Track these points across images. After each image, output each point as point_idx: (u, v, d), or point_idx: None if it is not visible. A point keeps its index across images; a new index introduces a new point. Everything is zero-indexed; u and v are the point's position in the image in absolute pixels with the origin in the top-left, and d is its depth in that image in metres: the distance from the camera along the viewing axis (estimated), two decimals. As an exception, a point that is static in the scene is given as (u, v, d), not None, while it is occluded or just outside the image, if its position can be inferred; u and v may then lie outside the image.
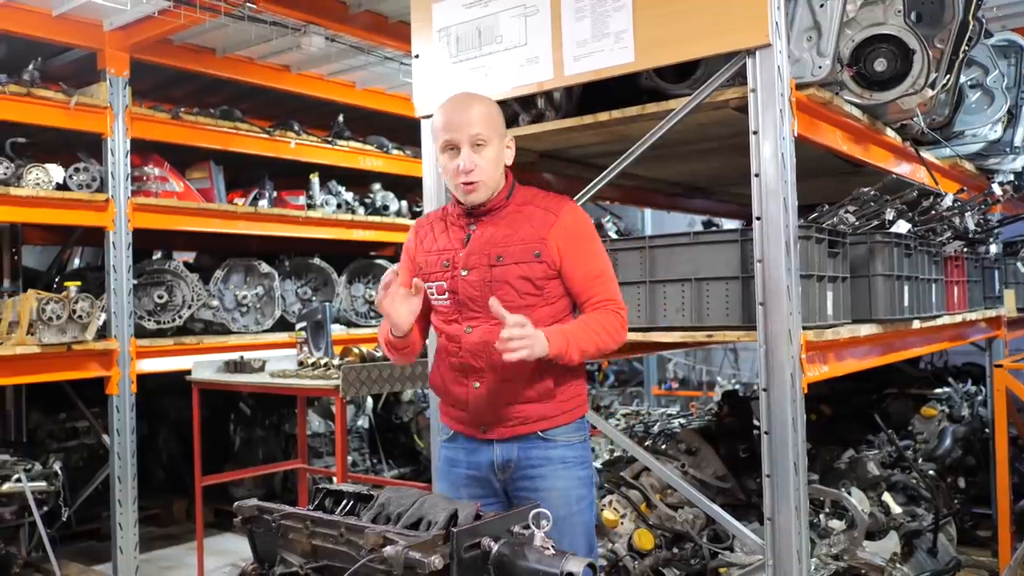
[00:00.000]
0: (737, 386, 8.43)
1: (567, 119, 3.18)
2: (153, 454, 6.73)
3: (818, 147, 3.06)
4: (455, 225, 2.46)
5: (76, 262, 7.19)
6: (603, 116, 3.09)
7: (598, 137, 3.38)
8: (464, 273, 2.37)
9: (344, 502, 2.41)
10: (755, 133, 2.67)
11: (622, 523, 3.32)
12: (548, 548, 1.95)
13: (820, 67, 2.76)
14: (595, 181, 3.07)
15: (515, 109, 3.38)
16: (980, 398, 5.28)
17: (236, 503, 2.33)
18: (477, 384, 2.39)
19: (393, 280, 2.37)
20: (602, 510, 3.36)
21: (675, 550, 3.30)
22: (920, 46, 2.87)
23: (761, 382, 2.66)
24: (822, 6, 2.73)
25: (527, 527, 2.06)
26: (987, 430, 5.17)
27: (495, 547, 1.97)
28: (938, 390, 5.02)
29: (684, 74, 3.02)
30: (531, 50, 3.06)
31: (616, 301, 2.43)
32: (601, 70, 2.90)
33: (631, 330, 3.02)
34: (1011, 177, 4.53)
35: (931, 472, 4.39)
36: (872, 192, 3.07)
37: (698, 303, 2.94)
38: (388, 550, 1.91)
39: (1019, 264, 5.38)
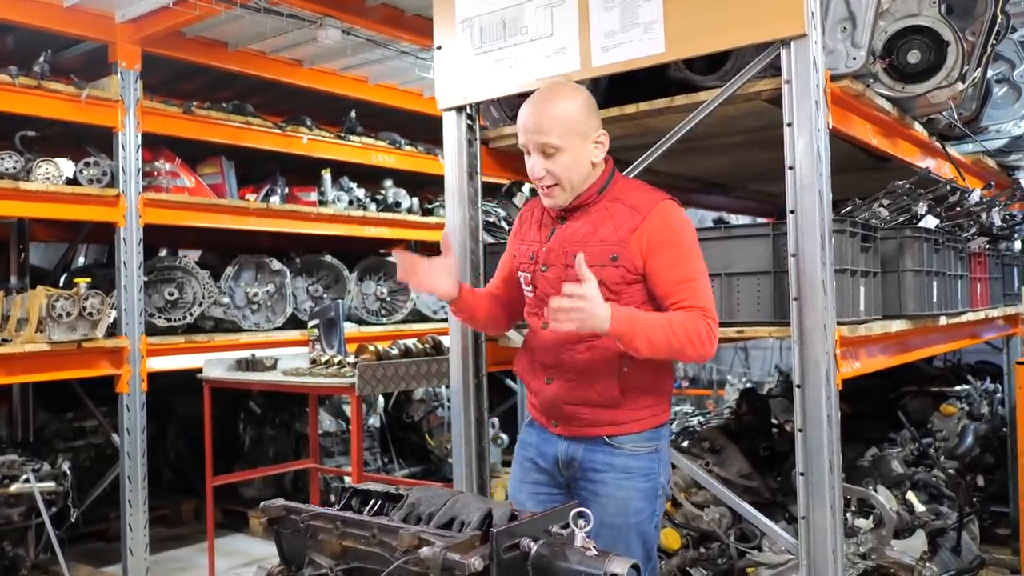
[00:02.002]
0: (748, 384, 8.37)
1: (594, 111, 3.12)
2: (160, 454, 6.68)
3: (847, 140, 3.01)
4: (548, 216, 2.43)
5: (80, 260, 7.13)
6: (630, 108, 3.04)
7: (623, 130, 3.32)
8: (543, 269, 2.36)
9: (372, 502, 2.37)
10: (789, 125, 2.61)
11: (647, 523, 3.26)
12: (590, 548, 1.90)
13: (855, 58, 2.71)
14: (623, 174, 3.01)
15: (539, 102, 3.33)
16: (999, 396, 5.23)
17: (263, 503, 2.28)
18: (548, 380, 2.38)
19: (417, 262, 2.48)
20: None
21: (702, 549, 3.25)
22: (955, 38, 2.82)
23: (795, 379, 2.60)
24: (857, -4, 2.68)
25: (566, 526, 2.01)
26: (1004, 428, 5.13)
27: (534, 548, 1.92)
28: (957, 387, 4.97)
29: (713, 66, 2.97)
30: (557, 41, 3.00)
31: (706, 309, 2.23)
32: (631, 61, 2.84)
33: None
34: (1032, 173, 4.48)
35: (951, 470, 4.34)
36: (907, 185, 3.01)
37: (728, 298, 2.89)
38: (425, 551, 1.86)
39: (1037, 261, 5.33)
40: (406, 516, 2.20)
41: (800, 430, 2.58)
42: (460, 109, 3.34)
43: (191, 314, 5.25)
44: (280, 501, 2.25)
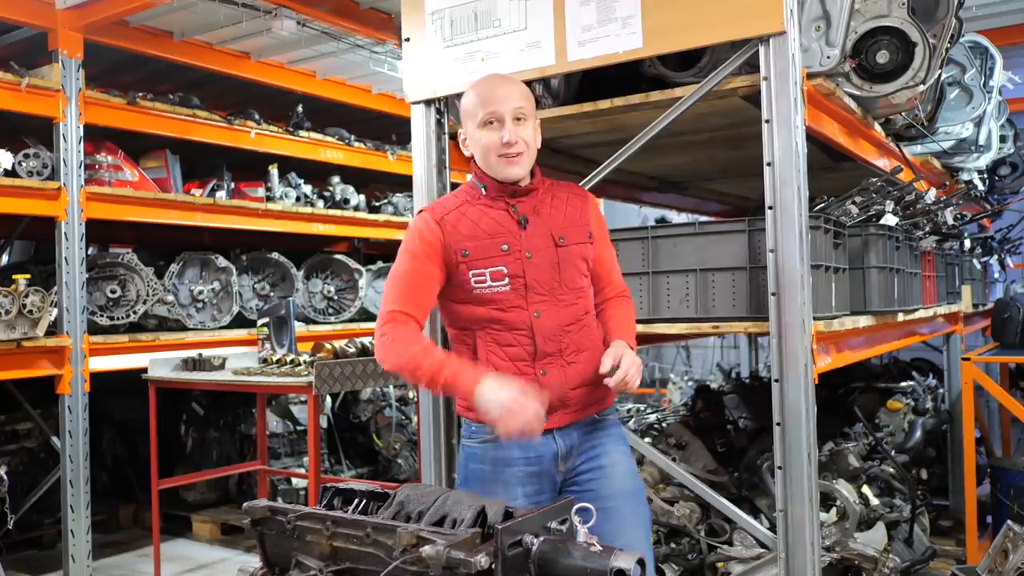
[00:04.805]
0: (690, 383, 8.48)
1: (567, 107, 3.11)
2: (96, 457, 6.42)
3: (815, 138, 3.06)
4: (494, 208, 2.34)
5: (4, 259, 6.80)
6: (604, 104, 3.03)
7: (593, 127, 3.32)
8: (529, 256, 2.30)
9: (356, 501, 2.30)
10: (767, 122, 2.63)
11: (618, 519, 3.26)
12: (593, 544, 1.88)
13: (829, 57, 2.76)
14: (597, 170, 3.01)
15: (510, 96, 3.30)
16: (941, 392, 5.40)
17: (246, 504, 2.19)
18: (544, 371, 2.30)
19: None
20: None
21: (672, 545, 3.26)
22: (922, 39, 2.89)
23: (774, 373, 2.63)
24: (832, -5, 2.72)
25: (563, 522, 1.99)
26: (946, 424, 5.30)
27: (536, 544, 1.89)
28: (903, 384, 5.10)
29: (686, 62, 2.99)
30: (532, 35, 2.98)
31: (629, 291, 2.56)
32: (608, 56, 2.83)
33: (642, 322, 2.97)
34: (976, 175, 4.63)
35: (902, 464, 4.46)
36: (879, 183, 3.08)
37: (704, 294, 2.91)
38: (427, 550, 1.81)
39: (975, 261, 5.53)
40: (395, 515, 2.14)
41: (778, 424, 2.60)
42: (429, 102, 3.28)
43: (135, 312, 5.06)
44: (264, 501, 2.17)
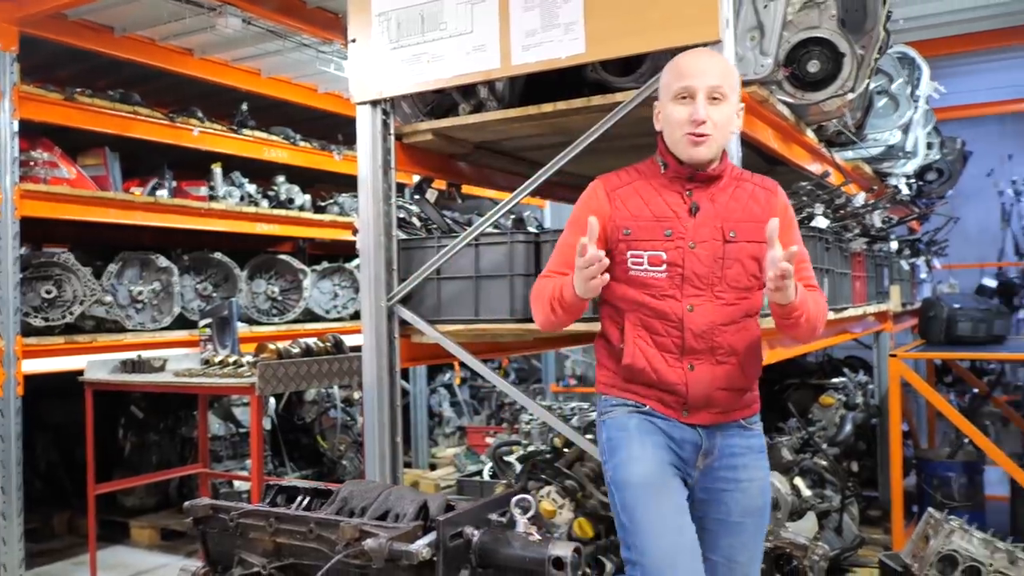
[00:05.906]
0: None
1: (512, 110, 3.17)
2: (28, 464, 6.26)
3: (750, 144, 3.16)
4: (669, 189, 2.24)
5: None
6: (547, 107, 3.09)
7: (537, 129, 3.38)
8: (692, 246, 2.19)
9: (300, 498, 2.33)
10: (703, 126, 2.71)
11: (560, 513, 3.33)
12: (532, 534, 1.93)
13: (763, 66, 2.85)
14: (540, 172, 3.07)
15: (455, 98, 3.35)
16: (871, 387, 5.59)
17: (187, 503, 2.21)
18: (692, 366, 2.20)
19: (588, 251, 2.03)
20: (540, 501, 3.36)
21: (612, 538, 3.33)
22: (851, 50, 3.01)
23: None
24: (766, 7, 2.82)
25: (503, 514, 2.04)
26: (875, 418, 5.49)
27: (477, 535, 1.94)
28: (835, 380, 5.27)
29: (628, 68, 3.07)
30: (477, 38, 3.03)
31: (821, 291, 2.34)
32: (551, 60, 2.90)
33: (585, 320, 2.99)
34: (904, 180, 4.81)
35: (832, 457, 4.61)
36: (809, 187, 3.19)
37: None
38: (370, 543, 1.85)
39: (903, 262, 5.74)
40: (339, 511, 2.18)
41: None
42: (375, 103, 3.30)
43: (71, 313, 4.96)
44: (206, 500, 2.19)
